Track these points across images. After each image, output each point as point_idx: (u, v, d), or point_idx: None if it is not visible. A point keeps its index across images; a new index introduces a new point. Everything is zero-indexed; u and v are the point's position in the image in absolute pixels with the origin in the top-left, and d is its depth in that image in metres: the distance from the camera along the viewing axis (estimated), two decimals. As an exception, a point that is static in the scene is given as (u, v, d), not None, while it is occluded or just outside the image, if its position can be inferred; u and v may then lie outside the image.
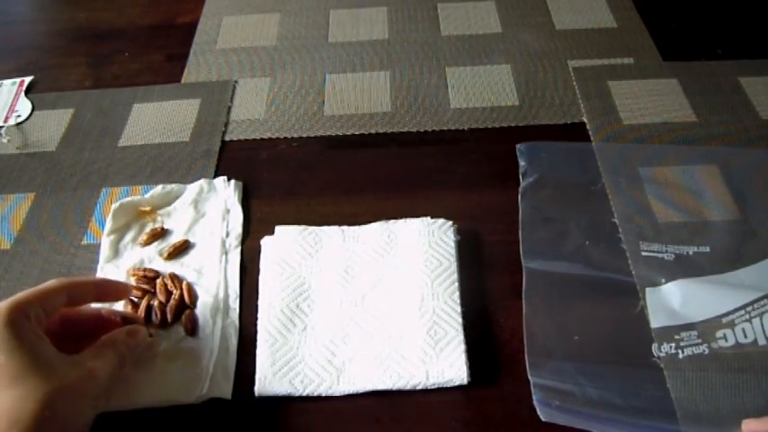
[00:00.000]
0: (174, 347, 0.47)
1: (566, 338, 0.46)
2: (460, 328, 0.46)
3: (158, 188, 0.56)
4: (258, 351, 0.46)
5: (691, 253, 0.50)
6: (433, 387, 0.44)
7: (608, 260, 0.50)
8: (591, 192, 0.55)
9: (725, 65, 0.66)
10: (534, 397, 0.43)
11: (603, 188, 0.55)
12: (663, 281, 0.48)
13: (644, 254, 0.50)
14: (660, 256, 0.50)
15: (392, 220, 0.53)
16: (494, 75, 0.68)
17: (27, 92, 0.69)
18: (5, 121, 0.66)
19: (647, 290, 0.48)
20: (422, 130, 0.62)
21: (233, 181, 0.57)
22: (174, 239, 0.53)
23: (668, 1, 0.76)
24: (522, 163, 0.57)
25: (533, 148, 0.58)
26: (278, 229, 0.53)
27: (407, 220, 0.53)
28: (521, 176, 0.56)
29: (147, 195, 0.56)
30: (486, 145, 0.60)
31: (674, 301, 0.47)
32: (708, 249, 0.50)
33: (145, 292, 0.49)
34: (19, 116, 0.67)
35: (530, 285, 0.49)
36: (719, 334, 0.45)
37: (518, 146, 0.59)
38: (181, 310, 0.49)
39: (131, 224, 0.55)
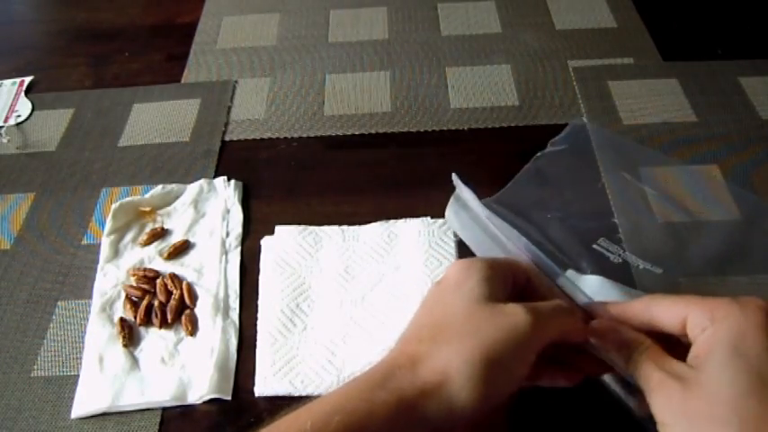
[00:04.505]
0: (174, 347, 0.47)
1: None
2: (460, 328, 0.46)
3: (158, 188, 0.56)
4: (258, 351, 0.46)
5: (640, 267, 0.48)
6: (432, 387, 0.44)
7: (566, 239, 0.50)
8: (595, 189, 0.55)
9: (725, 65, 0.66)
10: None
11: (603, 188, 0.55)
12: (588, 272, 0.47)
13: (595, 247, 0.50)
14: (608, 255, 0.49)
15: (392, 220, 0.53)
16: (494, 75, 0.68)
17: (27, 92, 0.69)
18: (5, 121, 0.66)
19: (569, 272, 0.46)
20: (422, 130, 0.62)
21: (233, 181, 0.57)
22: (174, 239, 0.53)
23: (668, 1, 0.76)
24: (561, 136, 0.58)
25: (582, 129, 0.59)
26: (278, 229, 0.53)
27: (407, 220, 0.53)
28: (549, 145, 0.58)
29: (147, 195, 0.56)
30: (486, 145, 0.60)
31: (587, 291, 0.41)
32: (660, 271, 0.48)
33: (145, 292, 0.49)
34: (19, 116, 0.67)
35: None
36: None
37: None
38: (181, 310, 0.49)
39: (131, 224, 0.55)
